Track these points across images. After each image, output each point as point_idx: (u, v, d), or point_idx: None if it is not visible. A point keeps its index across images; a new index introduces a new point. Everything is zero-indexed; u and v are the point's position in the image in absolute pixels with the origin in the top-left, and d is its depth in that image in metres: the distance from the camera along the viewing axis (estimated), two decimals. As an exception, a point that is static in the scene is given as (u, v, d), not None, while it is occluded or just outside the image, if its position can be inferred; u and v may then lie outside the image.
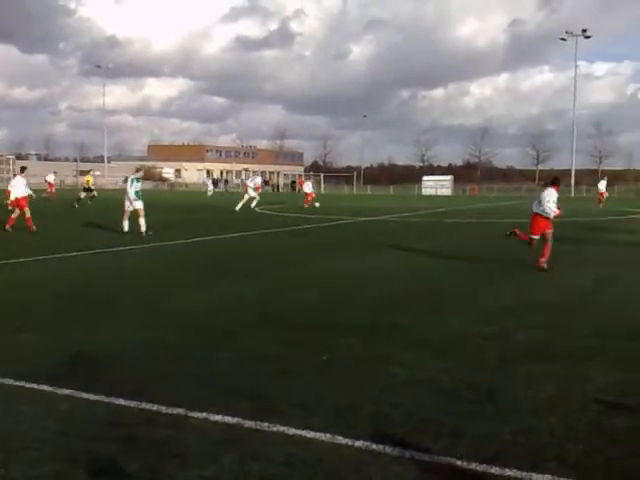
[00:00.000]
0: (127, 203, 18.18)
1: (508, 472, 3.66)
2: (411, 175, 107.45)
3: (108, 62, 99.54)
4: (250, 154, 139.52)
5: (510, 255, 13.88)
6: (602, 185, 40.21)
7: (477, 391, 5.05)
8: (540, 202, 11.73)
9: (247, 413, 4.45)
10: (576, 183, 78.65)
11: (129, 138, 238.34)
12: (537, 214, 11.81)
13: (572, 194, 73.72)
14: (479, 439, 4.12)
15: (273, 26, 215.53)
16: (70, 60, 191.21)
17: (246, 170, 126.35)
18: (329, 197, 41.61)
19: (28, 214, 18.55)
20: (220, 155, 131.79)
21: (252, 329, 7.06)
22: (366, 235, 20.00)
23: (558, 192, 11.86)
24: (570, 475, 3.62)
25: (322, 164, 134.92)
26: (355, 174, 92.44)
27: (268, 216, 27.88)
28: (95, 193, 35.15)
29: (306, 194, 37.57)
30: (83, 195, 34.44)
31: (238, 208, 29.81)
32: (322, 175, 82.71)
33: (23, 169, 20.43)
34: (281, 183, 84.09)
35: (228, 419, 4.36)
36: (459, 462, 3.78)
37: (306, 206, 34.84)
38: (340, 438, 4.08)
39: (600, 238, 18.17)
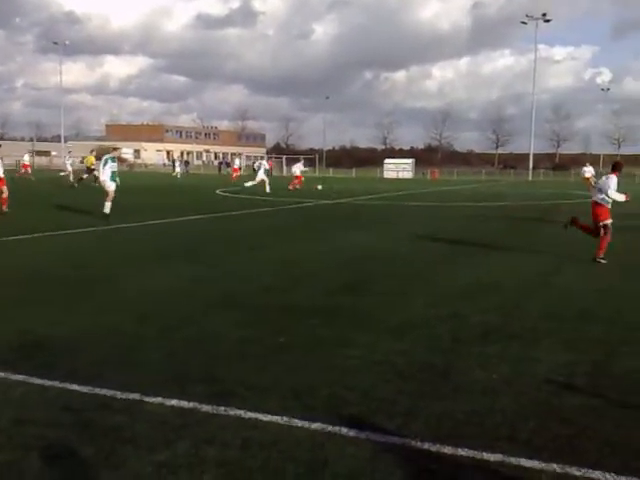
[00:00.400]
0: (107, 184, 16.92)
1: (460, 451, 3.74)
2: (373, 158, 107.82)
3: (67, 39, 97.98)
4: (211, 135, 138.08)
5: (470, 238, 14.10)
6: (588, 171, 37.43)
7: (432, 372, 5.13)
8: (601, 190, 11.14)
9: (203, 397, 4.45)
10: (534, 167, 79.87)
11: (87, 117, 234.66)
12: (597, 203, 11.18)
13: (530, 177, 74.94)
14: (433, 419, 4.19)
15: (235, 4, 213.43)
16: (27, 36, 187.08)
17: (207, 151, 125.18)
18: (290, 180, 41.41)
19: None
20: (180, 135, 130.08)
21: (212, 312, 7.03)
22: (329, 218, 20.03)
23: (618, 177, 11.21)
24: (520, 454, 3.71)
25: (285, 146, 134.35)
26: (317, 156, 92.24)
27: (231, 199, 27.71)
28: (87, 175, 34.35)
29: (296, 176, 37.57)
30: (85, 176, 33.93)
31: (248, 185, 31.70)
32: (284, 157, 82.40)
33: None
34: (243, 165, 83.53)
35: (184, 404, 4.35)
36: (413, 442, 3.85)
37: (298, 187, 35.48)
38: (296, 421, 4.11)
39: (559, 221, 18.42)
